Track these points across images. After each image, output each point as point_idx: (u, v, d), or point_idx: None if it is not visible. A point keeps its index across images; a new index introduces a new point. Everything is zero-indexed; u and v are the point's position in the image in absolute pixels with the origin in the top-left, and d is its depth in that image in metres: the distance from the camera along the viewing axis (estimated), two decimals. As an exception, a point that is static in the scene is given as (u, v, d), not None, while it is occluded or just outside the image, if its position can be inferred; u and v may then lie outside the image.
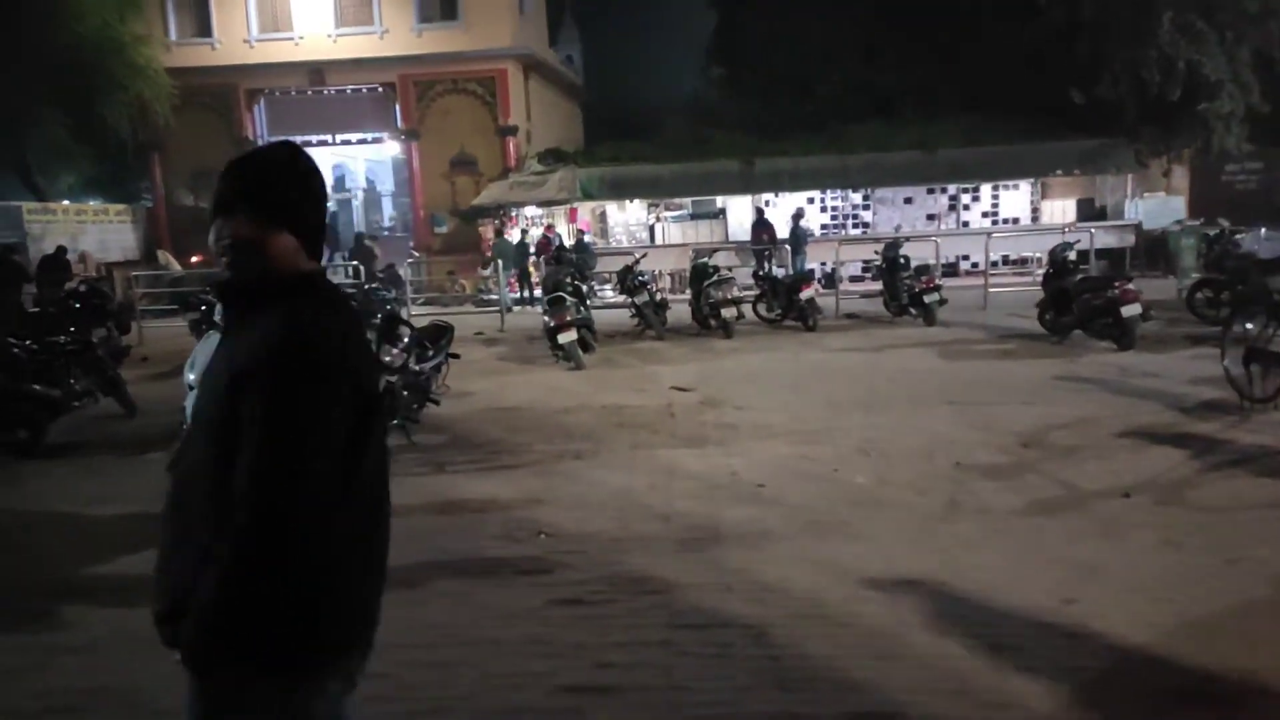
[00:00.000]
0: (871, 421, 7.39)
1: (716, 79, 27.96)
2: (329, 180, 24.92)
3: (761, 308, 14.04)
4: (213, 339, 7.14)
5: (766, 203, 20.20)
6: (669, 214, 21.18)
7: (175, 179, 21.92)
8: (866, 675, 3.42)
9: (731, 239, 20.58)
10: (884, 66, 21.58)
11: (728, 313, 12.59)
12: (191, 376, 6.88)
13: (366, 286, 12.59)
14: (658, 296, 13.04)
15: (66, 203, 21.95)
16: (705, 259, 13.58)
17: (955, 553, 4.55)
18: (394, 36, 20.56)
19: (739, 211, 20.98)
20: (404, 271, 16.47)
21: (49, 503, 6.16)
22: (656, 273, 19.41)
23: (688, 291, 14.32)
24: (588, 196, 19.50)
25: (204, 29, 21.28)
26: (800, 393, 8.77)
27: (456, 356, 7.84)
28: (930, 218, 20.32)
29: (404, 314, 13.57)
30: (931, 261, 15.31)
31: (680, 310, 14.02)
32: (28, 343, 7.95)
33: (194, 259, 20.06)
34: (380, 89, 21.01)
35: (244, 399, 1.59)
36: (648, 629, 3.88)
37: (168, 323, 15.28)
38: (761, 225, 18.35)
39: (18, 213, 18.79)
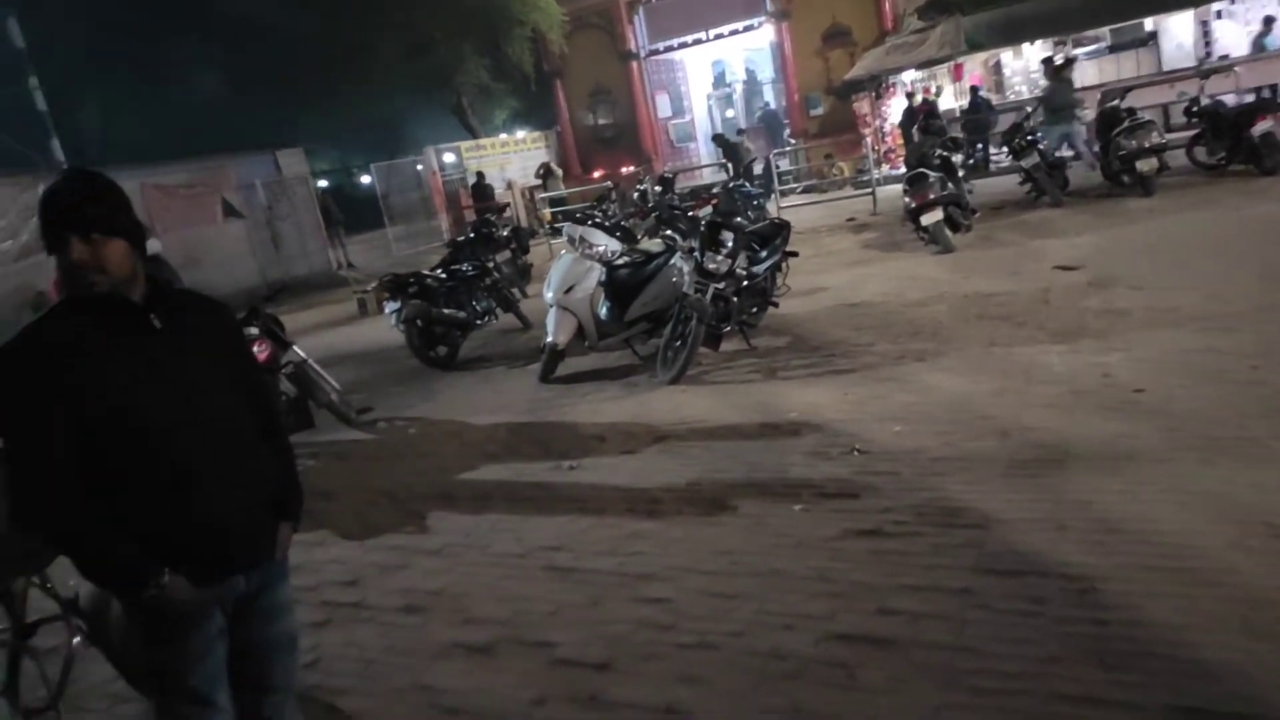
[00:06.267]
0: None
1: None
2: (710, 77, 25.28)
3: (1200, 151, 11.41)
4: (565, 259, 7.66)
5: (1218, 14, 16.23)
6: (1081, 51, 17.96)
7: (576, 100, 23.87)
8: (1224, 658, 2.62)
9: (1167, 68, 16.95)
10: None
11: (1144, 165, 10.39)
12: (549, 295, 7.48)
13: (730, 185, 12.54)
14: (1050, 156, 11.17)
15: (503, 135, 25.20)
16: (1115, 102, 11.28)
17: None
18: (758, -87, 19.78)
19: (1177, 32, 17.13)
20: (781, 162, 16.12)
21: (451, 411, 7.14)
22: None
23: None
24: (975, 48, 17.20)
25: (586, -49, 22.41)
26: (1229, 262, 6.98)
27: (794, 254, 7.49)
28: None
29: (771, 208, 13.43)
30: None
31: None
32: (439, 272, 9.28)
33: (595, 174, 21.86)
34: (749, -28, 20.48)
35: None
36: (948, 572, 3.38)
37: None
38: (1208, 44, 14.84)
39: (458, 151, 22.26)
